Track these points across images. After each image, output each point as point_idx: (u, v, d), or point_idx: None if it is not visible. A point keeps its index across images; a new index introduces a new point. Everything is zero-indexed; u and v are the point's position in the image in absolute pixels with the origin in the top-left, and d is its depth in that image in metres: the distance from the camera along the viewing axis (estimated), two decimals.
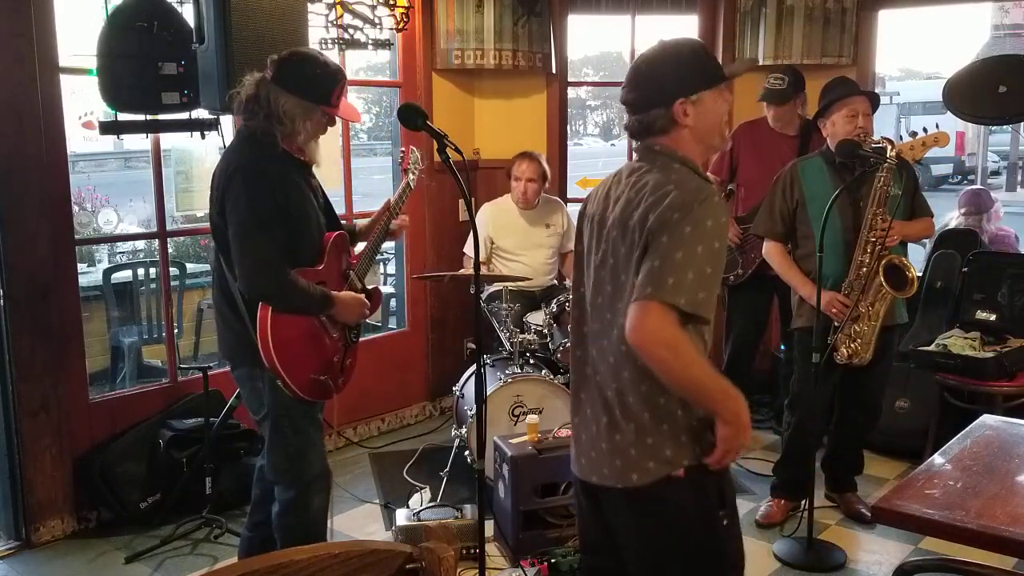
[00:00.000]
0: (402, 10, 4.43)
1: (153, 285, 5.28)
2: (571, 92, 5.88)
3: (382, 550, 1.66)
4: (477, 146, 5.28)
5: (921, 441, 4.18)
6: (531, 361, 4.14)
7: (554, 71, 5.23)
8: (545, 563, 3.29)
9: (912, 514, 2.05)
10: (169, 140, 4.27)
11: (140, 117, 3.47)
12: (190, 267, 6.13)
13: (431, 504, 3.68)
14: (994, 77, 4.34)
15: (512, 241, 4.75)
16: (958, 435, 2.53)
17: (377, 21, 4.27)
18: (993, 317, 4.43)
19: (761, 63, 4.93)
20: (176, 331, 5.05)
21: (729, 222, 1.99)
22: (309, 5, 3.55)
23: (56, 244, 3.62)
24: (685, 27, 5.37)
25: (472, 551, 3.30)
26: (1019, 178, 18.28)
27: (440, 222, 5.14)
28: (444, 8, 4.89)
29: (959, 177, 18.63)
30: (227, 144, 3.02)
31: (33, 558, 3.56)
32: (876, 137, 3.45)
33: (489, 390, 3.79)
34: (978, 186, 8.18)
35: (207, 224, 2.83)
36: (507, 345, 4.22)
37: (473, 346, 4.36)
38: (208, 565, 3.47)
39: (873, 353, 3.48)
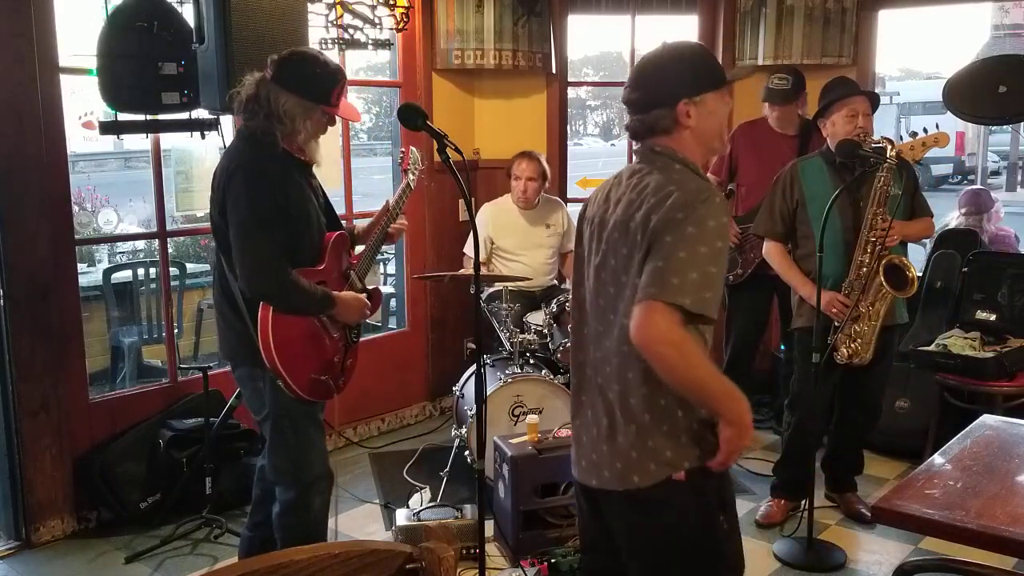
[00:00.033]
0: (402, 10, 4.43)
1: (153, 285, 5.28)
2: (571, 92, 5.88)
3: (382, 550, 1.66)
4: (477, 146, 5.28)
5: (921, 441, 4.18)
6: (531, 361, 4.14)
7: (554, 71, 5.23)
8: (545, 563, 3.29)
9: (912, 514, 2.05)
10: (169, 140, 4.27)
11: (140, 117, 3.47)
12: (190, 267, 6.14)
13: (431, 504, 3.68)
14: (994, 77, 4.34)
15: (512, 241, 4.75)
16: (958, 435, 2.53)
17: (377, 21, 4.27)
18: (993, 317, 4.43)
19: (761, 63, 4.94)
20: (176, 331, 5.05)
21: (729, 222, 2.01)
22: (309, 5, 3.55)
23: (56, 244, 3.62)
24: (685, 27, 5.37)
25: (472, 551, 3.30)
26: (1019, 178, 18.28)
27: (440, 222, 5.14)
28: (444, 8, 4.89)
29: (959, 177, 18.63)
30: (227, 144, 3.03)
31: (33, 558, 3.56)
32: (876, 137, 3.45)
33: (489, 390, 3.79)
34: (978, 186, 8.18)
35: (207, 224, 2.83)
36: (507, 345, 4.22)
37: (473, 346, 4.36)
38: (208, 565, 3.47)
39: (873, 353, 3.49)
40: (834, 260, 3.45)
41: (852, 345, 3.48)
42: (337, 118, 2.82)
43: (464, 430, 3.98)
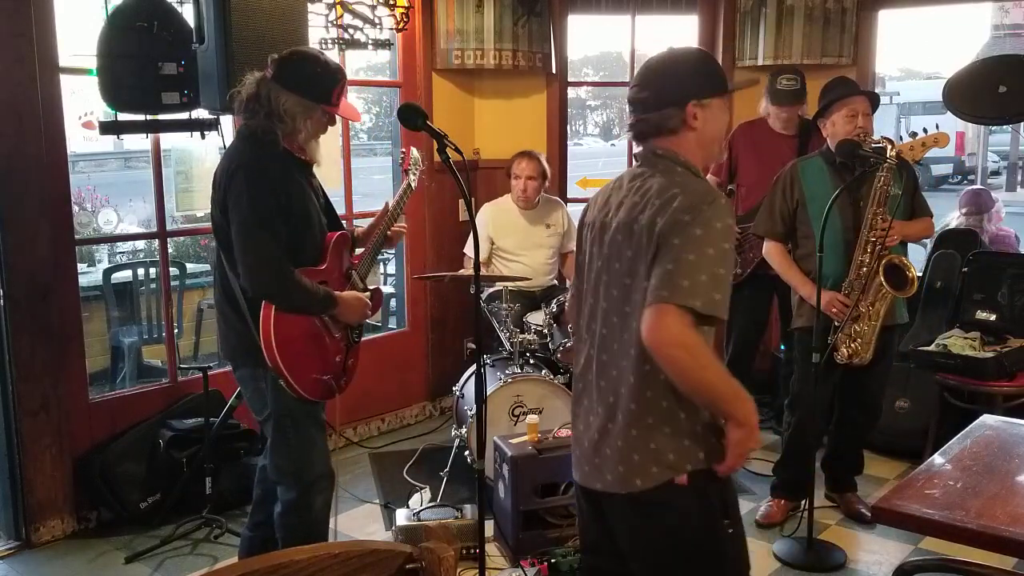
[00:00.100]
0: (402, 10, 4.43)
1: (153, 285, 5.29)
2: (571, 92, 5.88)
3: (382, 550, 1.66)
4: (477, 146, 5.28)
5: (921, 441, 4.18)
6: (531, 361, 4.14)
7: (554, 71, 5.23)
8: (545, 563, 3.29)
9: (912, 514, 2.05)
10: (169, 140, 4.27)
11: (140, 117, 3.47)
12: (190, 267, 6.14)
13: (431, 504, 3.68)
14: (994, 77, 4.34)
15: (512, 241, 4.75)
16: (958, 435, 2.53)
17: (377, 21, 4.27)
18: (993, 317, 4.43)
19: (761, 63, 4.95)
20: (176, 331, 5.05)
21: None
22: (309, 5, 3.56)
23: (56, 244, 3.62)
24: (685, 27, 5.38)
25: (472, 551, 3.30)
26: (1019, 178, 18.28)
27: (440, 222, 5.14)
28: (444, 8, 4.90)
29: (959, 177, 18.64)
30: (227, 144, 3.03)
31: (33, 558, 3.56)
32: (876, 137, 3.45)
33: (489, 390, 3.79)
34: (978, 186, 8.19)
35: (207, 224, 2.83)
36: (507, 345, 4.22)
37: (473, 346, 4.36)
38: (208, 565, 3.47)
39: (873, 353, 3.49)
40: (834, 260, 3.45)
41: (852, 345, 3.48)
42: (337, 118, 2.83)
43: (464, 430, 3.98)
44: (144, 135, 3.71)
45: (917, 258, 4.72)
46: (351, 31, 4.18)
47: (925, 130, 3.54)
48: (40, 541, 3.64)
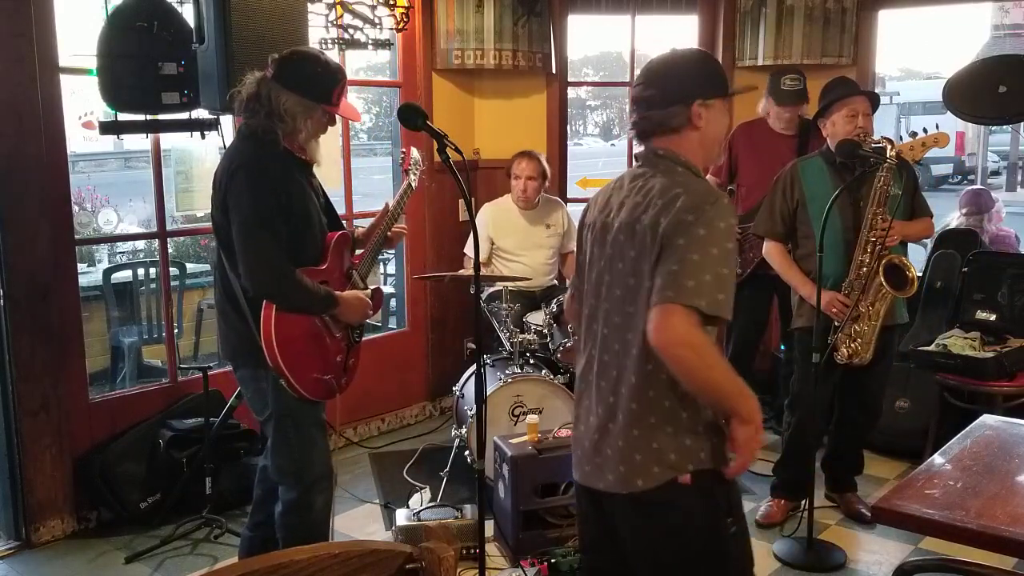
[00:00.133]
0: (402, 10, 4.43)
1: (153, 285, 5.28)
2: (571, 92, 5.88)
3: (382, 550, 1.66)
4: (477, 146, 5.28)
5: (921, 441, 4.18)
6: (531, 361, 4.14)
7: (554, 71, 5.23)
8: (545, 563, 3.29)
9: (912, 514, 2.05)
10: (169, 140, 4.27)
11: (140, 117, 3.47)
12: (190, 267, 6.14)
13: (431, 504, 3.68)
14: (994, 77, 4.34)
15: (512, 241, 4.75)
16: (958, 435, 2.53)
17: (377, 21, 4.27)
18: (993, 317, 4.43)
19: (761, 63, 4.95)
20: (176, 331, 5.05)
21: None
22: (309, 5, 3.55)
23: (56, 244, 3.62)
24: (685, 27, 5.38)
25: (472, 551, 3.30)
26: (1019, 178, 18.28)
27: (440, 222, 5.14)
28: (444, 8, 4.90)
29: (959, 177, 18.64)
30: (227, 144, 3.02)
31: (33, 558, 3.56)
32: (876, 137, 3.45)
33: (489, 390, 3.79)
34: (979, 186, 8.19)
35: (207, 224, 2.84)
36: (507, 345, 4.22)
37: (473, 346, 4.36)
38: (208, 565, 3.47)
39: (873, 353, 3.49)
40: (834, 260, 3.45)
41: (852, 345, 3.48)
42: (337, 118, 2.83)
43: (464, 430, 3.98)
44: (144, 135, 3.71)
45: (917, 258, 4.72)
46: (351, 31, 4.18)
47: (925, 130, 3.54)
48: (40, 541, 3.64)
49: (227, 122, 3.62)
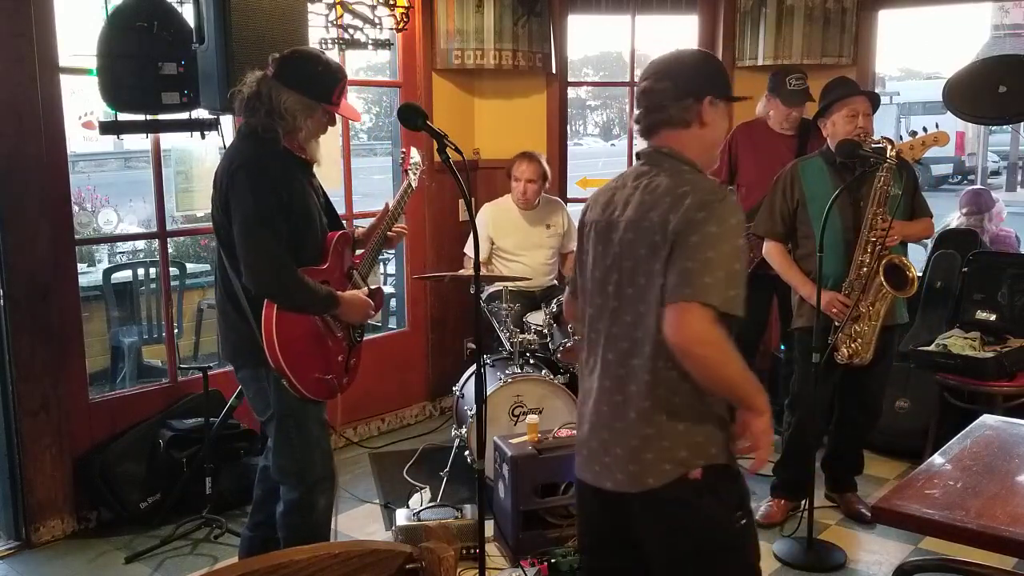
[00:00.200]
0: (402, 10, 4.43)
1: (153, 285, 5.28)
2: (571, 92, 5.88)
3: (382, 550, 1.66)
4: (477, 146, 5.28)
5: (921, 441, 4.18)
6: (531, 361, 4.14)
7: (554, 71, 5.23)
8: (545, 563, 3.29)
9: (912, 514, 2.05)
10: (169, 140, 4.27)
11: (140, 117, 3.47)
12: (190, 267, 6.14)
13: (431, 504, 3.68)
14: (994, 77, 4.34)
15: (512, 241, 4.75)
16: (958, 435, 2.53)
17: (377, 21, 4.27)
18: (993, 317, 4.43)
19: (761, 63, 4.95)
20: (176, 331, 5.05)
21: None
22: (309, 5, 3.55)
23: (56, 244, 3.62)
24: (685, 27, 5.38)
25: (472, 551, 3.30)
26: (1019, 178, 18.28)
27: (440, 222, 5.14)
28: (444, 8, 4.90)
29: (959, 177, 18.64)
30: (227, 144, 3.02)
31: (33, 558, 3.56)
32: (876, 137, 3.45)
33: (489, 390, 3.79)
34: (979, 186, 8.19)
35: (207, 224, 2.84)
36: (507, 345, 4.22)
37: (473, 346, 4.36)
38: (208, 565, 3.47)
39: (873, 353, 3.49)
40: (834, 260, 3.45)
41: (852, 345, 3.48)
42: (337, 117, 2.83)
43: (464, 430, 3.98)
44: (144, 135, 3.71)
45: (917, 258, 4.72)
46: (351, 31, 4.18)
47: (925, 129, 3.54)
48: (40, 541, 3.64)
49: (227, 122, 3.62)
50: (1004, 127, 10.62)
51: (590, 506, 2.15)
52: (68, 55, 3.62)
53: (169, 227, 4.38)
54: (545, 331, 4.23)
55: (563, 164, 5.42)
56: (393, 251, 5.75)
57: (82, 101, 5.14)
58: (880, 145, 3.36)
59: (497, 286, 4.47)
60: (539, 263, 4.77)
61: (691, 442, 1.93)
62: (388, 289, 6.25)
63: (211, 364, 4.39)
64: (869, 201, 3.40)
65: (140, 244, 6.85)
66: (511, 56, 4.97)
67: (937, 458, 2.38)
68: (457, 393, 4.29)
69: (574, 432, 3.47)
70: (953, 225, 5.15)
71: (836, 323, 3.46)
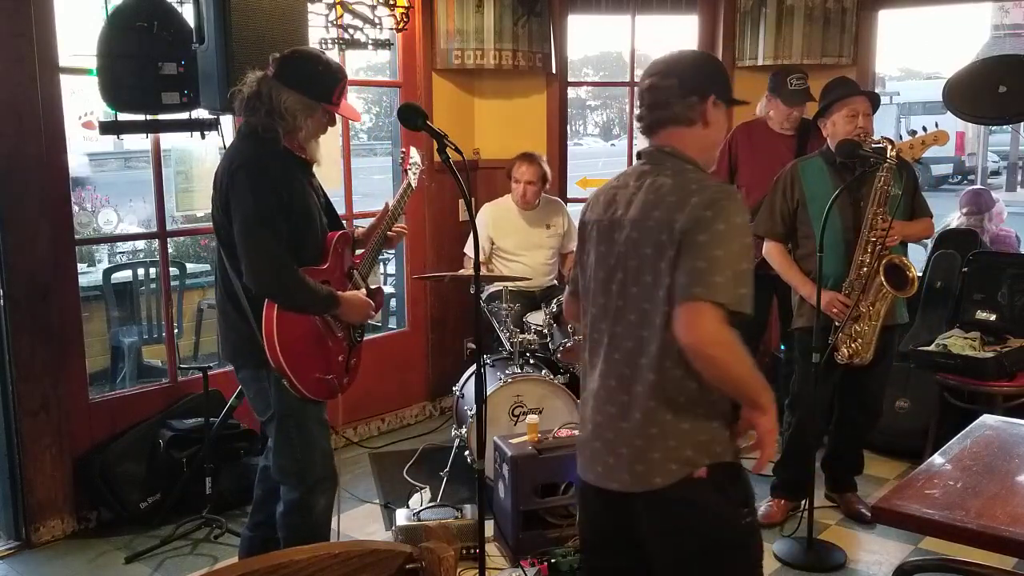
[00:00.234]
0: (402, 10, 4.43)
1: (153, 285, 5.28)
2: (571, 92, 5.88)
3: (382, 550, 1.66)
4: (477, 146, 5.28)
5: (921, 441, 4.18)
6: (531, 361, 4.14)
7: (554, 71, 5.23)
8: (545, 563, 3.29)
9: (912, 514, 2.05)
10: (169, 140, 4.27)
11: (140, 117, 3.47)
12: (190, 267, 6.13)
13: (431, 504, 3.68)
14: (994, 77, 4.34)
15: (512, 241, 4.75)
16: (958, 435, 2.53)
17: (377, 21, 4.27)
18: (993, 317, 4.43)
19: (761, 63, 4.95)
20: (176, 331, 5.05)
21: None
22: (309, 5, 3.55)
23: (56, 244, 3.62)
24: (685, 27, 5.38)
25: (472, 551, 3.29)
26: (1019, 178, 18.28)
27: (440, 222, 5.14)
28: (444, 8, 4.90)
29: (959, 177, 18.64)
30: (227, 144, 3.02)
31: (33, 558, 3.56)
32: (876, 137, 3.45)
33: (489, 390, 3.79)
34: (979, 186, 8.19)
35: (207, 224, 2.84)
36: (507, 345, 4.22)
37: (473, 346, 4.36)
38: (208, 565, 3.47)
39: (874, 353, 3.49)
40: (834, 260, 3.45)
41: (853, 345, 3.48)
42: (337, 118, 2.83)
43: (464, 430, 3.98)
44: (144, 135, 3.71)
45: (917, 258, 4.72)
46: (351, 31, 4.18)
47: (924, 128, 3.54)
48: (40, 541, 3.64)
49: (227, 122, 3.62)
50: (1004, 127, 10.62)
51: (592, 506, 2.14)
52: (68, 55, 3.62)
53: (169, 227, 4.38)
54: (545, 331, 4.23)
55: (563, 164, 5.42)
56: (393, 251, 5.75)
57: (82, 101, 5.14)
58: (880, 145, 3.36)
59: (497, 286, 4.47)
60: (539, 263, 4.77)
61: (697, 441, 1.93)
62: (388, 289, 6.25)
63: (211, 364, 4.39)
64: (869, 201, 3.40)
65: (140, 244, 6.84)
66: (511, 56, 4.97)
67: (937, 458, 2.38)
68: (457, 393, 4.29)
69: (574, 432, 3.50)
70: (953, 225, 5.15)
71: (836, 323, 3.46)
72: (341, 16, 4.15)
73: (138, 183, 6.80)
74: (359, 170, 5.84)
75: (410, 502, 3.75)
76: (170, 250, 4.60)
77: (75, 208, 4.85)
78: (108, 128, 3.47)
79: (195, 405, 3.94)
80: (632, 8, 5.23)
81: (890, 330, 3.60)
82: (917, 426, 4.31)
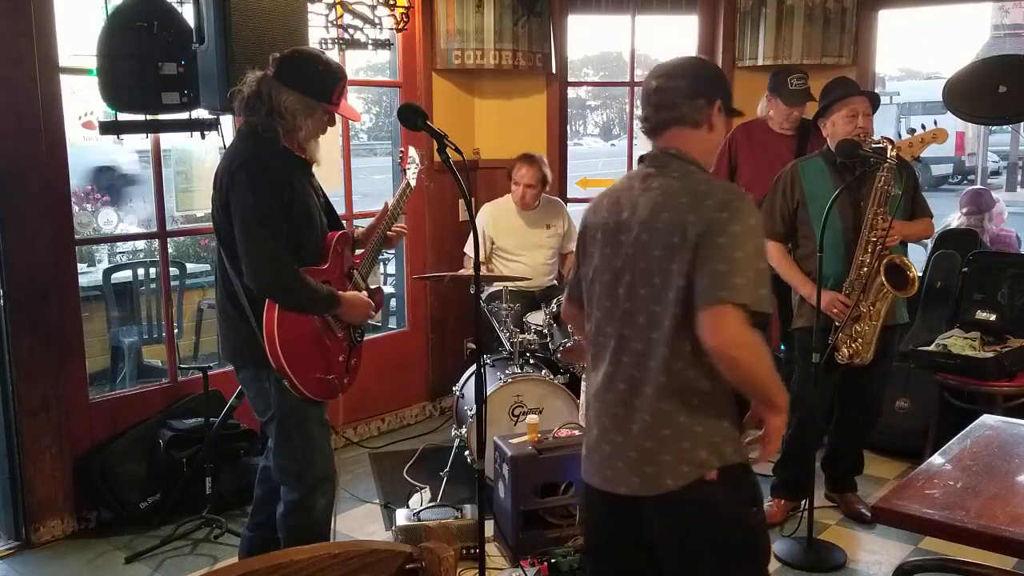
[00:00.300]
0: (402, 10, 4.43)
1: (153, 285, 5.28)
2: (571, 92, 5.88)
3: (382, 550, 1.66)
4: (477, 146, 5.28)
5: (921, 441, 4.18)
6: (531, 361, 4.14)
7: (554, 71, 5.23)
8: (545, 563, 3.29)
9: (912, 514, 2.05)
10: (169, 140, 4.27)
11: (140, 117, 3.47)
12: (190, 267, 6.13)
13: (431, 504, 3.68)
14: (994, 77, 4.34)
15: (512, 241, 4.75)
16: (958, 435, 2.53)
17: (377, 21, 4.27)
18: (993, 317, 4.43)
19: (761, 63, 4.95)
20: (176, 331, 5.05)
21: None
22: (309, 5, 3.55)
23: (56, 244, 3.62)
24: (685, 27, 5.37)
25: (472, 551, 3.29)
26: (1019, 178, 18.28)
27: (440, 222, 5.14)
28: (444, 8, 4.89)
29: (959, 177, 18.63)
30: (227, 144, 3.03)
31: (33, 558, 3.56)
32: (876, 137, 3.45)
33: (489, 390, 3.79)
34: (979, 186, 8.19)
35: (207, 224, 2.84)
36: (507, 345, 4.22)
37: (473, 346, 4.36)
38: (208, 565, 3.47)
39: (874, 353, 3.49)
40: (834, 260, 3.45)
41: (853, 345, 3.48)
42: (337, 118, 2.83)
43: (464, 430, 3.98)
44: (144, 135, 3.71)
45: (917, 258, 4.72)
46: (351, 31, 4.18)
47: (923, 126, 3.54)
48: (40, 541, 3.64)
49: (227, 122, 3.62)
50: (1004, 127, 10.62)
51: (598, 510, 2.13)
52: (68, 55, 3.62)
53: (169, 227, 4.38)
54: (545, 331, 4.23)
55: (563, 164, 5.42)
56: (393, 251, 5.75)
57: (82, 101, 5.13)
58: (880, 145, 3.36)
59: (497, 286, 4.47)
60: (539, 263, 4.77)
61: (709, 442, 1.93)
62: (388, 289, 6.25)
63: (211, 364, 4.39)
64: (869, 201, 3.40)
65: (140, 244, 6.84)
66: (511, 56, 4.97)
67: (937, 458, 2.38)
68: (457, 393, 4.29)
69: (574, 432, 3.50)
70: (953, 225, 5.15)
71: (836, 323, 3.46)
72: (341, 16, 4.15)
73: (138, 183, 6.78)
74: (359, 170, 5.83)
75: (410, 502, 3.75)
76: (170, 250, 4.60)
77: (75, 208, 4.85)
78: (108, 128, 3.47)
79: (195, 405, 3.94)
80: (632, 8, 5.23)
81: (890, 330, 3.60)
82: (917, 426, 4.31)
